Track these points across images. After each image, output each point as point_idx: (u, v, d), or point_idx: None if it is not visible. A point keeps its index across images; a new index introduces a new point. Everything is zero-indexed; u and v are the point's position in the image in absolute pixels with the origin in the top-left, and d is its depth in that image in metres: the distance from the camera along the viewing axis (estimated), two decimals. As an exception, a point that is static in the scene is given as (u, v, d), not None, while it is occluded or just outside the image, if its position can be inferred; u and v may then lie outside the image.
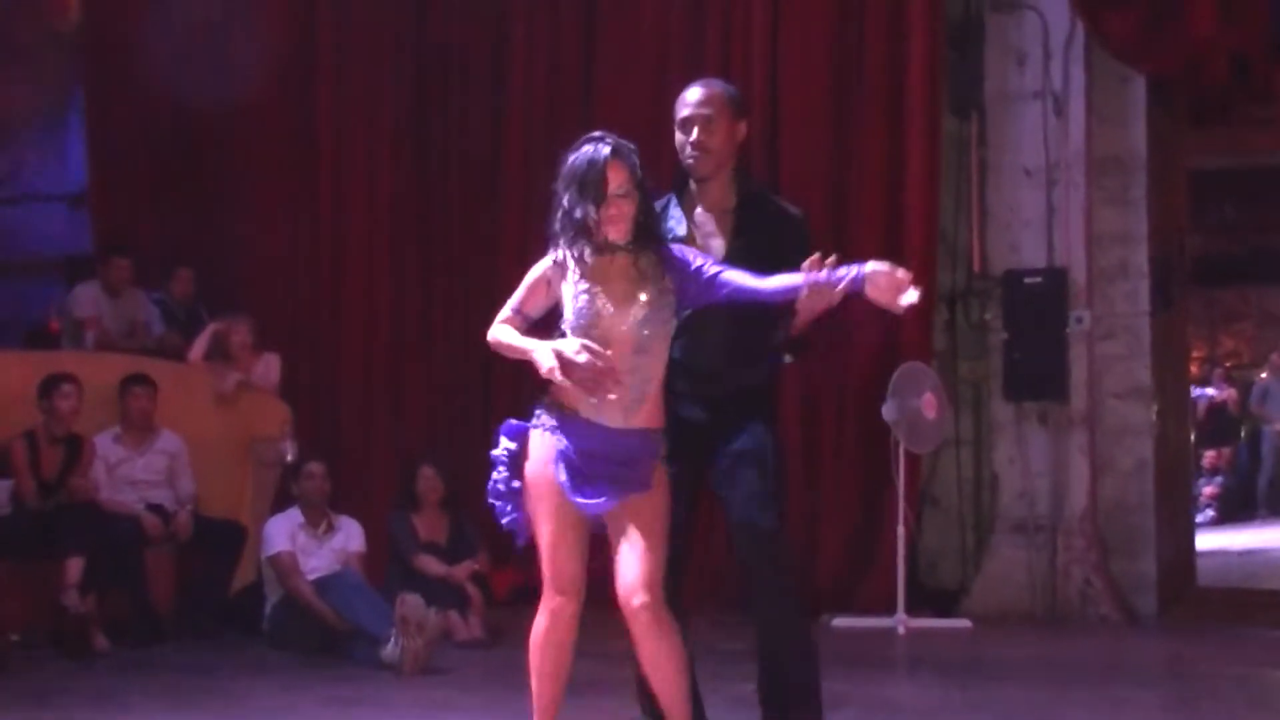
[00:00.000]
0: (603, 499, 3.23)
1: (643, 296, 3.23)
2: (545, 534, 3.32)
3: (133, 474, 6.63)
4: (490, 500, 3.42)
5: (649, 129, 7.94)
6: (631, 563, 3.26)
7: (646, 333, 3.22)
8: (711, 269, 3.26)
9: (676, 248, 3.33)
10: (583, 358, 3.13)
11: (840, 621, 6.79)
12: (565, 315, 3.27)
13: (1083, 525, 7.12)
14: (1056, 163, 7.26)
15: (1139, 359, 7.32)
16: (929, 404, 6.70)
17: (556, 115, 8.25)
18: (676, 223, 3.61)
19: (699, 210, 3.64)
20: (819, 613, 6.89)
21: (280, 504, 6.70)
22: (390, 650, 5.51)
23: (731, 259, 3.41)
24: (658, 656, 3.30)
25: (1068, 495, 7.17)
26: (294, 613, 6.07)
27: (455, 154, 8.58)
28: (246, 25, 8.56)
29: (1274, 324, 16.18)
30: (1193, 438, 8.76)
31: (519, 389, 8.35)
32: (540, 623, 3.38)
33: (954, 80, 7.49)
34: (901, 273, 3.08)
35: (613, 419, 3.23)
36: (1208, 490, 12.82)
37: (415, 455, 7.05)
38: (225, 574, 6.63)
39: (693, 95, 3.60)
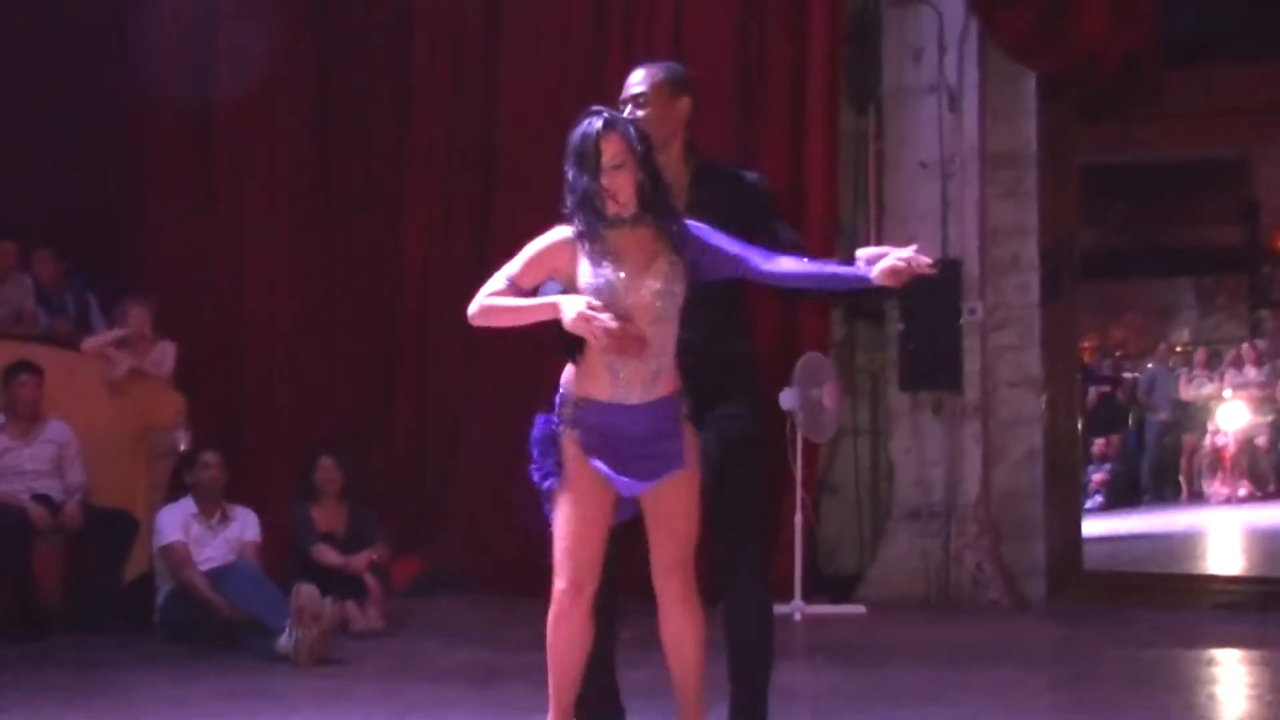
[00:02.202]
0: (646, 482, 3.21)
1: (657, 267, 3.22)
2: (565, 520, 3.26)
3: (19, 464, 6.47)
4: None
5: (553, 116, 7.97)
6: (665, 543, 3.27)
7: (660, 304, 3.21)
8: (737, 249, 3.27)
9: (693, 222, 3.32)
10: (606, 316, 3.11)
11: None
12: (580, 289, 3.21)
13: (976, 512, 7.27)
14: (951, 157, 7.38)
15: (1030, 349, 7.48)
16: (829, 394, 6.79)
17: (462, 101, 8.22)
18: None
19: None
20: (716, 601, 6.95)
21: (174, 494, 6.58)
22: (285, 641, 5.45)
23: None
24: (681, 637, 3.31)
25: (961, 483, 7.31)
26: (187, 604, 5.98)
27: (358, 139, 8.50)
28: (144, 6, 8.38)
29: (1162, 315, 16.68)
30: (1080, 426, 8.96)
31: (424, 379, 8.34)
32: (553, 612, 3.32)
33: (852, 75, 7.57)
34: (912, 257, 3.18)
35: (633, 395, 3.21)
36: (1097, 477, 13.17)
37: (315, 446, 6.98)
38: (116, 566, 6.50)
39: (633, 76, 3.68)
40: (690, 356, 3.38)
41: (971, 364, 7.34)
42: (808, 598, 6.73)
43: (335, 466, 6.61)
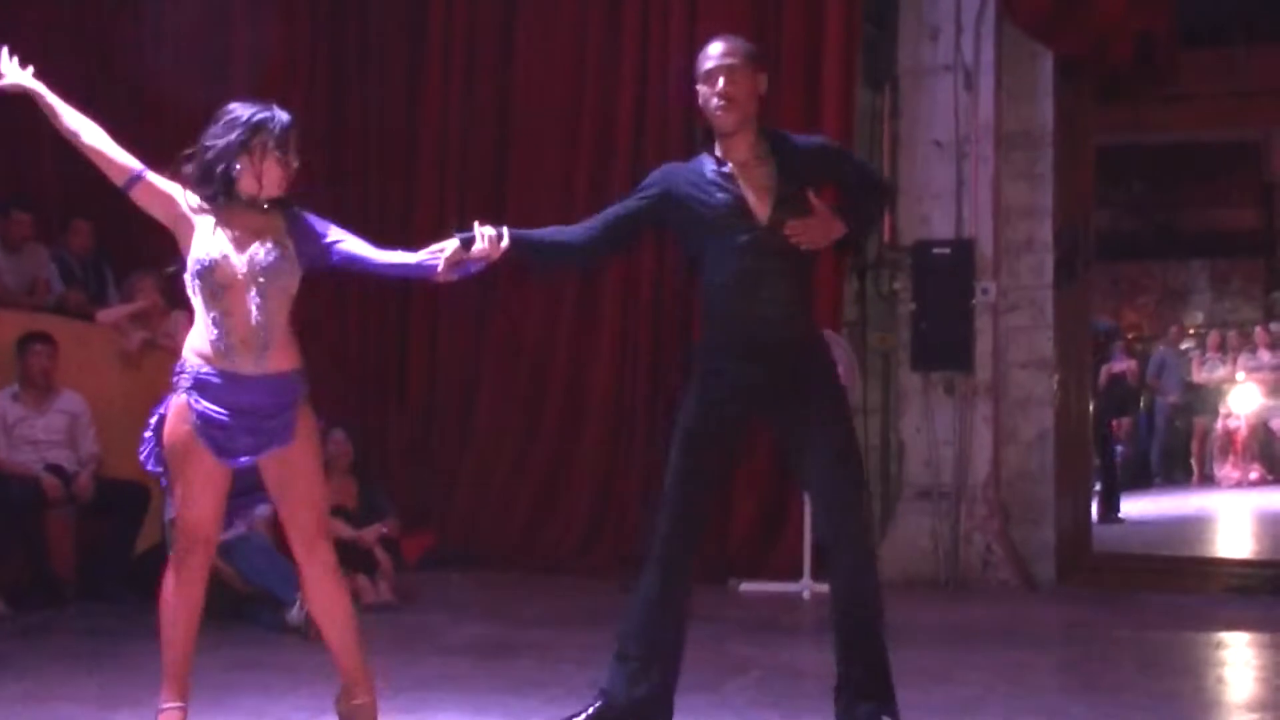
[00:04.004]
0: (248, 455, 3.41)
1: (261, 245, 3.44)
2: (180, 489, 3.46)
3: (32, 434, 6.49)
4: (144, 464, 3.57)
5: (569, 103, 8.00)
6: (299, 511, 3.48)
7: (263, 280, 3.40)
8: (333, 236, 3.53)
9: (310, 215, 3.57)
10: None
11: (748, 587, 6.88)
12: (190, 255, 3.48)
13: (985, 493, 7.27)
14: (966, 136, 7.35)
15: (1042, 331, 7.46)
16: None
17: (474, 92, 8.21)
18: (716, 188, 3.56)
19: (731, 167, 3.58)
20: (728, 578, 6.99)
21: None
22: (295, 614, 5.48)
23: (786, 207, 3.50)
24: (335, 605, 3.53)
25: (971, 464, 7.30)
26: (198, 576, 6.00)
27: (372, 137, 8.51)
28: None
29: (1175, 298, 16.62)
30: (1092, 408, 8.93)
31: (435, 353, 8.35)
32: (171, 578, 3.52)
33: (868, 53, 7.55)
34: None
35: (244, 366, 3.41)
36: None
37: (325, 420, 6.99)
38: (128, 536, 6.53)
39: (715, 49, 3.60)
40: (768, 332, 3.40)
41: (983, 345, 7.33)
42: (817, 577, 6.74)
43: (346, 440, 6.62)
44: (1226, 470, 13.57)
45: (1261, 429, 13.61)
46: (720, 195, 3.55)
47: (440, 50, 8.35)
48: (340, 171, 8.47)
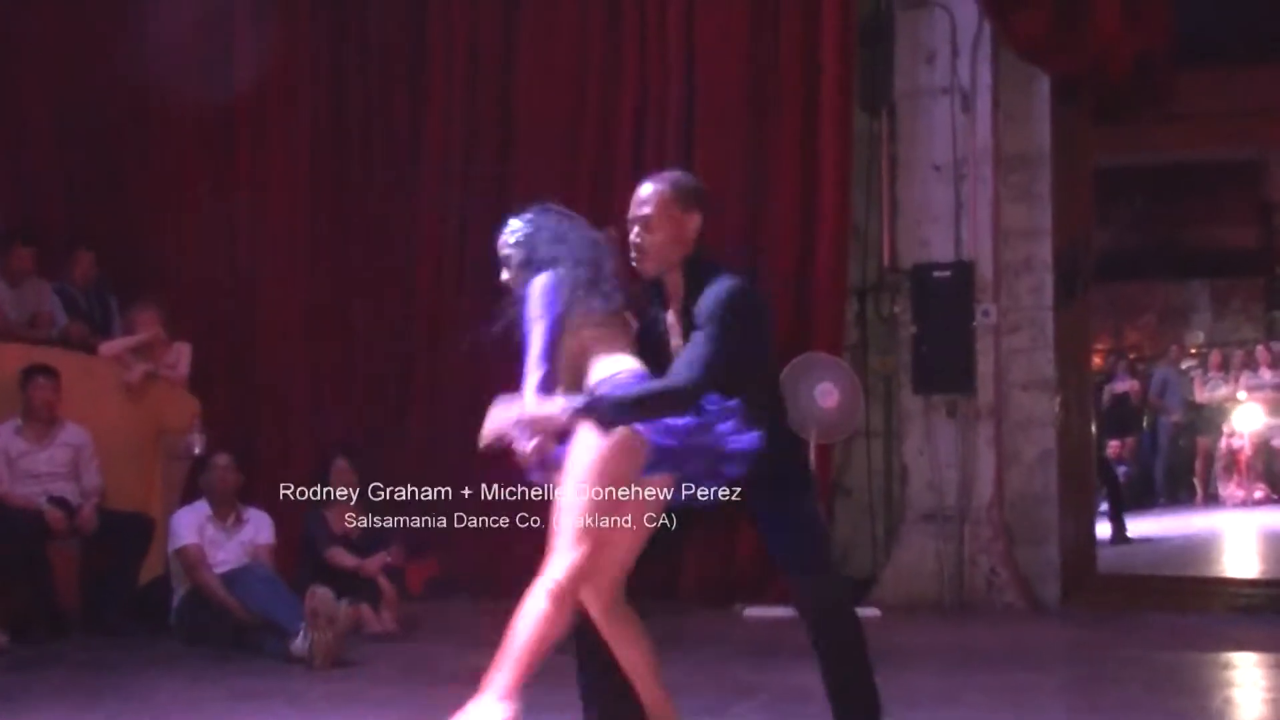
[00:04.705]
0: None
1: None
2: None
3: (35, 467, 6.50)
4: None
5: (567, 117, 8.03)
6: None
7: None
8: None
9: None
10: None
11: (753, 611, 6.86)
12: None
13: (989, 515, 7.26)
14: (964, 158, 7.38)
15: (1043, 351, 7.47)
16: (826, 393, 6.70)
17: (476, 99, 8.25)
18: (659, 323, 3.57)
19: (669, 312, 3.55)
20: (733, 603, 6.97)
21: (189, 497, 6.61)
22: (300, 643, 5.47)
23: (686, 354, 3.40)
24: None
25: (975, 485, 7.30)
26: (202, 606, 6.00)
27: (375, 144, 8.53)
28: (157, 8, 8.42)
29: (1176, 317, 16.62)
30: (1094, 428, 8.93)
31: (439, 381, 8.35)
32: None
33: (865, 77, 7.58)
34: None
35: None
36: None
37: (330, 447, 7.00)
38: (132, 568, 6.53)
39: (640, 193, 3.51)
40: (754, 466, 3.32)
41: (985, 366, 7.33)
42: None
43: (350, 468, 6.63)
44: (1231, 489, 13.54)
45: (1265, 448, 13.59)
46: (659, 325, 3.55)
47: (442, 58, 8.38)
48: (345, 180, 8.51)
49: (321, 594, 5.54)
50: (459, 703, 3.49)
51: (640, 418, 3.26)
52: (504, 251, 3.56)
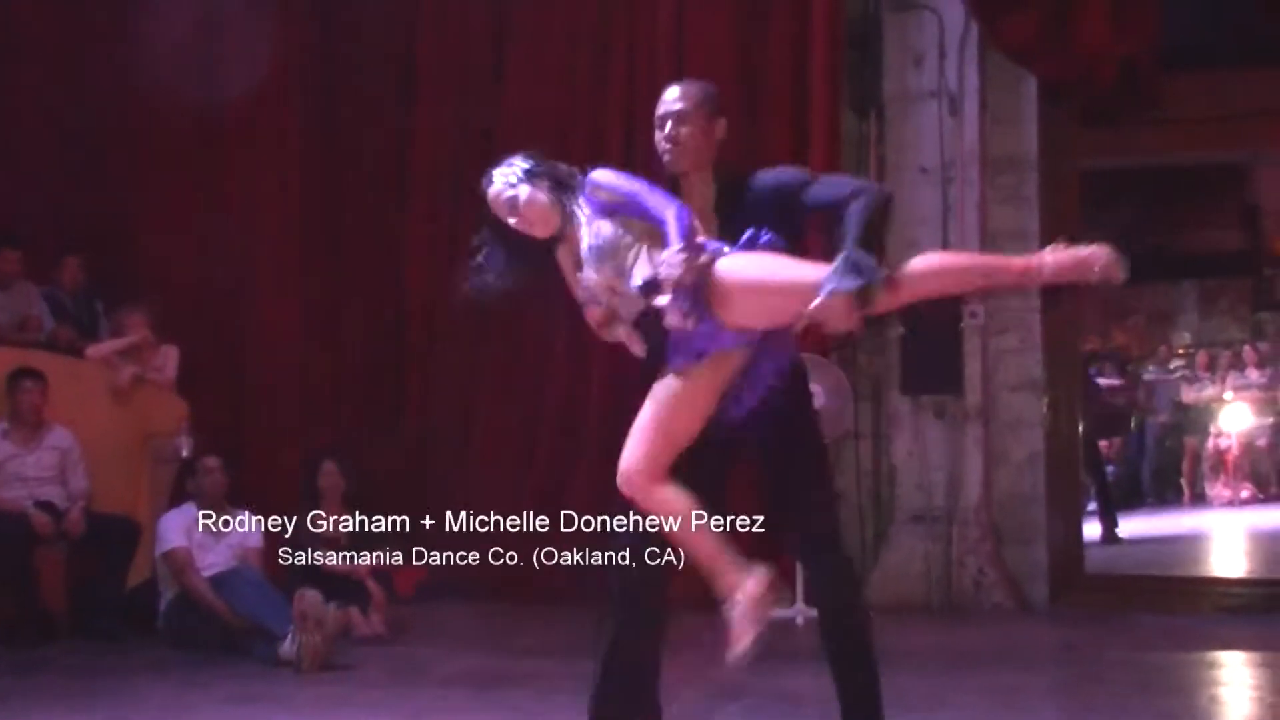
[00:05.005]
0: None
1: None
2: None
3: (22, 471, 6.49)
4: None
5: (557, 118, 8.03)
6: None
7: None
8: None
9: None
10: None
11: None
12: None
13: (977, 516, 7.28)
14: (952, 161, 7.40)
15: (1031, 353, 7.49)
16: (814, 395, 6.68)
17: (467, 101, 8.26)
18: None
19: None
20: (721, 605, 6.96)
21: (177, 500, 6.60)
22: (288, 647, 5.47)
23: None
24: None
25: (963, 487, 7.32)
26: (190, 610, 5.99)
27: (365, 148, 8.53)
28: (148, 14, 8.40)
29: (1163, 319, 16.68)
30: (1080, 429, 8.95)
31: (430, 383, 8.35)
32: None
33: (853, 79, 7.59)
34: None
35: None
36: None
37: (318, 450, 6.99)
38: (119, 571, 6.52)
39: (668, 94, 3.63)
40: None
41: (973, 368, 7.35)
42: (810, 602, 6.72)
43: (339, 471, 6.62)
44: (1218, 489, 13.58)
45: (1251, 448, 13.63)
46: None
47: (432, 61, 8.39)
48: (335, 184, 8.50)
49: (310, 597, 5.53)
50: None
51: (874, 246, 3.26)
52: (510, 192, 3.48)
